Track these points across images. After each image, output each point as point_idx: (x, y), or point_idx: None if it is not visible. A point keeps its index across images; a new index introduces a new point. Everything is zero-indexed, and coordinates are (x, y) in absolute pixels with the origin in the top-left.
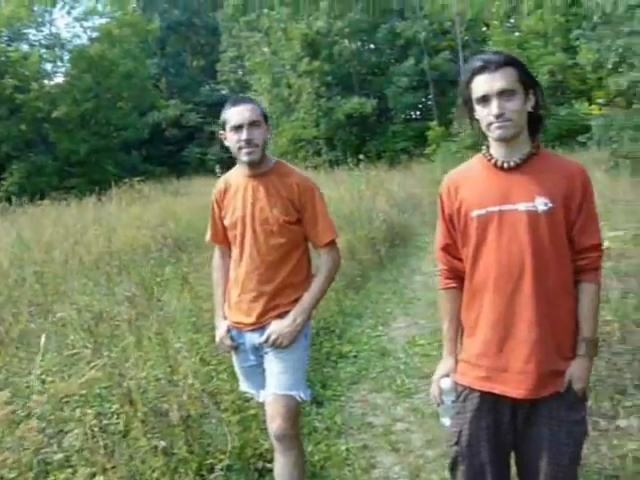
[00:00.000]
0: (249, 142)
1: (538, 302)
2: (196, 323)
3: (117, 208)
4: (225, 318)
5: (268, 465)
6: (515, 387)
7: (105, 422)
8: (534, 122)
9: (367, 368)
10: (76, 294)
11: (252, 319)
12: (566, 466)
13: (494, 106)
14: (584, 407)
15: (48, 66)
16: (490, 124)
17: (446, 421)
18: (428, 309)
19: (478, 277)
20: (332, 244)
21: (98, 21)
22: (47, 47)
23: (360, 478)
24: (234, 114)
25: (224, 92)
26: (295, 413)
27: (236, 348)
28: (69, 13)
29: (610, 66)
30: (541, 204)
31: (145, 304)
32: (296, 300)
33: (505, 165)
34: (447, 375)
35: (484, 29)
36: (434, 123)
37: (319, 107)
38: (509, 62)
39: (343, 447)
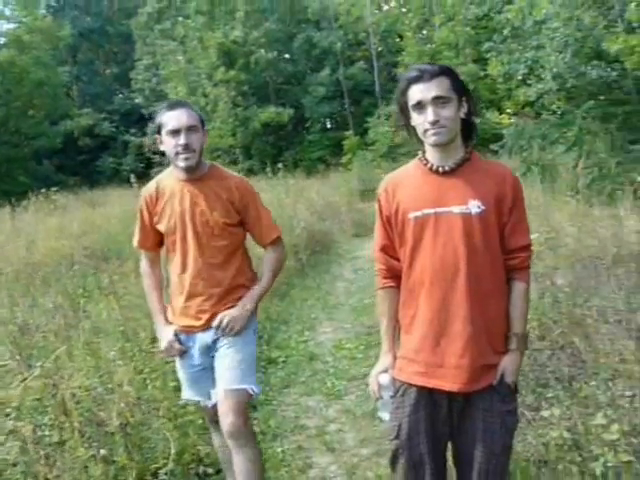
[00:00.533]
0: (186, 147)
1: (472, 300)
2: (125, 332)
3: (34, 219)
4: (168, 323)
5: (208, 470)
6: (451, 381)
7: (40, 434)
8: (467, 129)
9: (296, 372)
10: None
11: (202, 322)
12: (499, 454)
13: (429, 113)
14: (515, 398)
15: None
16: (426, 130)
17: (385, 415)
18: (352, 314)
19: (415, 276)
20: (277, 240)
21: (5, 26)
22: None
23: (297, 478)
24: (171, 118)
25: (138, 101)
26: (247, 408)
27: (184, 352)
28: None
29: (519, 77)
30: (474, 207)
31: (72, 315)
32: (240, 298)
33: (440, 169)
34: (385, 371)
35: (398, 40)
36: (350, 132)
37: (235, 116)
38: (443, 72)
39: (279, 449)
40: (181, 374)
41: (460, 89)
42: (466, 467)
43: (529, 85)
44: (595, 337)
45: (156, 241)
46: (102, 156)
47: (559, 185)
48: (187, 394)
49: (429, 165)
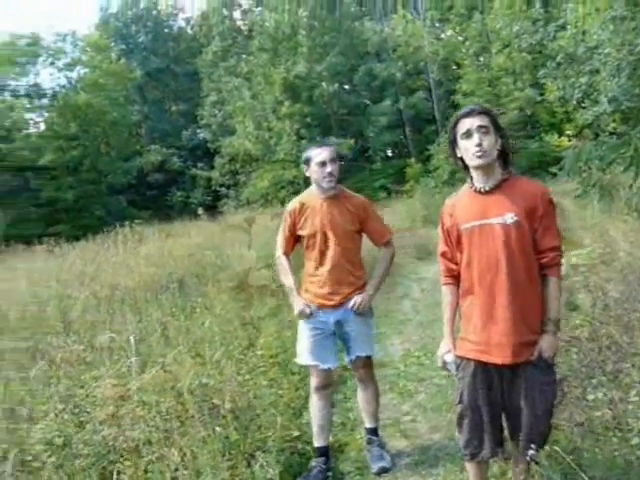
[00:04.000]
0: (331, 174)
1: (511, 291)
2: (223, 341)
3: (120, 249)
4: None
5: (306, 447)
6: (497, 355)
7: (159, 418)
8: (504, 158)
9: None
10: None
11: (334, 302)
12: (540, 416)
13: (475, 137)
14: (553, 372)
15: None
16: (472, 154)
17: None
18: (419, 328)
19: (468, 275)
20: (389, 242)
21: (82, 71)
22: (29, 96)
23: None
24: (319, 153)
25: (204, 136)
26: (372, 365)
27: (311, 314)
28: (52, 64)
29: (575, 102)
30: (509, 218)
31: (175, 327)
32: (363, 285)
33: (482, 190)
34: (448, 351)
35: (455, 68)
36: (411, 160)
37: (299, 148)
38: (485, 111)
39: (358, 436)
40: (307, 340)
41: (497, 126)
42: (515, 427)
43: (585, 108)
44: (637, 335)
45: (292, 246)
46: (171, 190)
47: (616, 204)
48: (307, 359)
49: (474, 187)
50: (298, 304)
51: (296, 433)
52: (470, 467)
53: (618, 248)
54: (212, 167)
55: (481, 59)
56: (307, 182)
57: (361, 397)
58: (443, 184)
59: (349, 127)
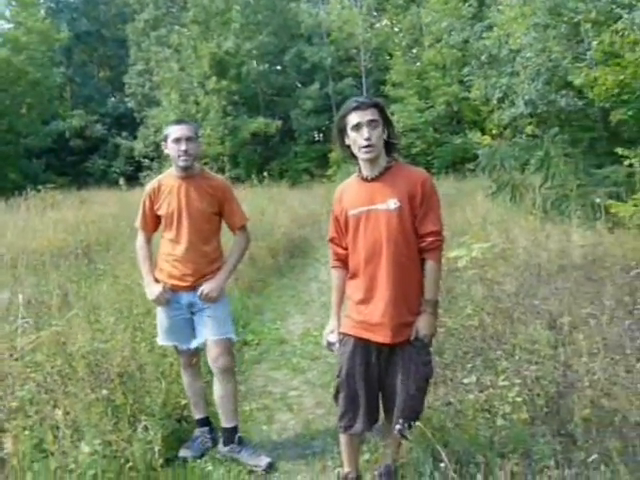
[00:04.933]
0: (186, 152)
1: (392, 273)
2: (120, 308)
3: (29, 214)
4: (157, 281)
5: (186, 414)
6: (377, 334)
7: (49, 380)
8: (389, 147)
9: (267, 352)
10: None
11: (187, 283)
12: (414, 394)
13: (364, 131)
14: (429, 352)
15: None
16: (361, 147)
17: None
18: (322, 309)
19: (354, 258)
20: (244, 227)
21: (5, 26)
22: None
23: (262, 430)
24: (176, 130)
25: (130, 105)
26: (232, 351)
27: (168, 301)
28: None
29: (495, 102)
30: (392, 204)
31: (73, 293)
32: (218, 268)
33: (368, 177)
34: (332, 331)
35: (387, 58)
36: (336, 145)
37: (225, 125)
38: (375, 104)
39: (247, 407)
40: (164, 322)
41: (385, 118)
42: (390, 404)
43: (503, 109)
44: (518, 326)
45: (153, 225)
46: (92, 158)
47: (525, 204)
48: (165, 340)
49: (361, 175)
50: (154, 291)
51: (184, 401)
52: (343, 439)
53: (518, 245)
54: (135, 137)
55: (413, 51)
56: (233, 159)
57: (217, 391)
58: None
59: (276, 108)
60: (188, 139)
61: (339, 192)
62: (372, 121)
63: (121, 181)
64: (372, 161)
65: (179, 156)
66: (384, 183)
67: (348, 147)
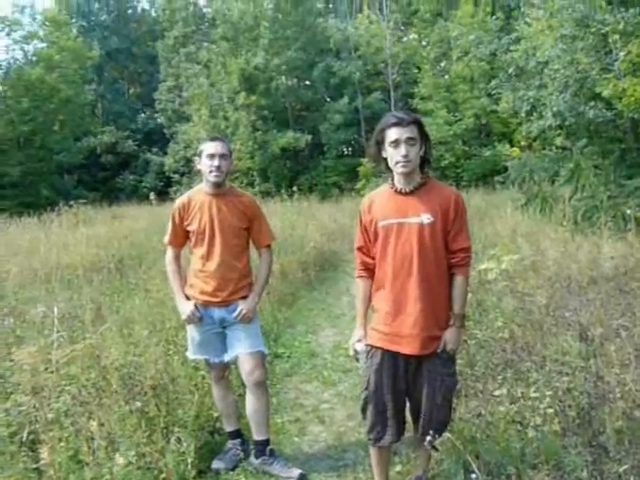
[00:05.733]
0: (218, 168)
1: (421, 287)
2: (153, 322)
3: (62, 229)
4: (188, 299)
5: (217, 426)
6: (405, 346)
7: (84, 392)
8: (424, 163)
9: (299, 365)
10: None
11: (219, 299)
12: (439, 405)
13: (402, 148)
14: (454, 363)
15: None
16: (397, 162)
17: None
18: (352, 323)
19: (383, 269)
20: (270, 246)
21: (39, 45)
22: None
23: (294, 442)
24: (210, 146)
25: (160, 121)
26: (265, 364)
27: (201, 319)
28: (8, 35)
29: (523, 114)
30: (425, 218)
31: (106, 307)
32: (249, 284)
33: (402, 191)
34: (359, 340)
35: (415, 71)
36: (365, 159)
37: (255, 140)
38: (414, 121)
39: (279, 420)
40: (196, 336)
41: (423, 135)
42: (417, 416)
43: (531, 121)
44: (549, 337)
45: (182, 240)
46: (123, 173)
47: (555, 215)
48: (197, 353)
49: (395, 188)
50: (185, 310)
51: (216, 414)
52: (373, 451)
53: (548, 257)
54: (166, 153)
55: (441, 64)
56: (262, 173)
57: (250, 404)
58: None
59: (305, 122)
60: (222, 156)
61: (368, 201)
62: (410, 139)
63: (152, 196)
64: (407, 176)
65: (211, 172)
66: (418, 198)
67: (384, 159)
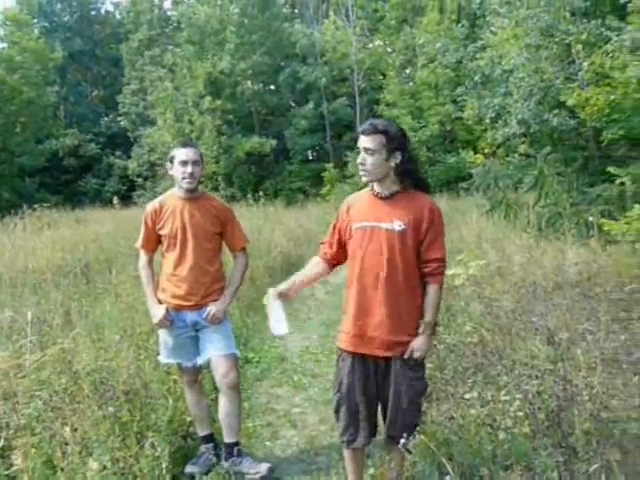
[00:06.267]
0: (191, 175)
1: (387, 291)
2: (123, 327)
3: (26, 233)
4: (160, 303)
5: (191, 431)
6: (369, 348)
7: (55, 398)
8: (403, 172)
9: (268, 369)
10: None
11: (192, 302)
12: (405, 409)
13: (360, 157)
14: (422, 368)
15: None
16: (359, 169)
17: (277, 329)
18: (319, 327)
19: (351, 272)
20: (244, 249)
21: None
22: None
23: (267, 446)
24: (182, 153)
25: (124, 124)
26: (238, 367)
27: (172, 323)
28: None
29: (488, 121)
30: (397, 225)
31: (74, 312)
32: (220, 288)
33: (379, 195)
34: (279, 293)
35: (380, 78)
36: (330, 165)
37: (220, 144)
38: (378, 131)
39: (250, 424)
40: (168, 340)
41: (392, 145)
42: (385, 418)
43: (497, 129)
44: (517, 342)
45: (154, 244)
46: (85, 177)
47: (519, 221)
48: (169, 357)
49: (373, 191)
50: (157, 314)
51: (189, 418)
52: (347, 453)
53: (514, 262)
54: (129, 156)
55: (406, 71)
56: (227, 178)
57: (222, 407)
58: (359, 190)
59: (271, 127)
60: (194, 162)
61: (347, 203)
62: (367, 149)
63: (115, 200)
64: (380, 183)
65: (183, 178)
66: (394, 204)
67: None
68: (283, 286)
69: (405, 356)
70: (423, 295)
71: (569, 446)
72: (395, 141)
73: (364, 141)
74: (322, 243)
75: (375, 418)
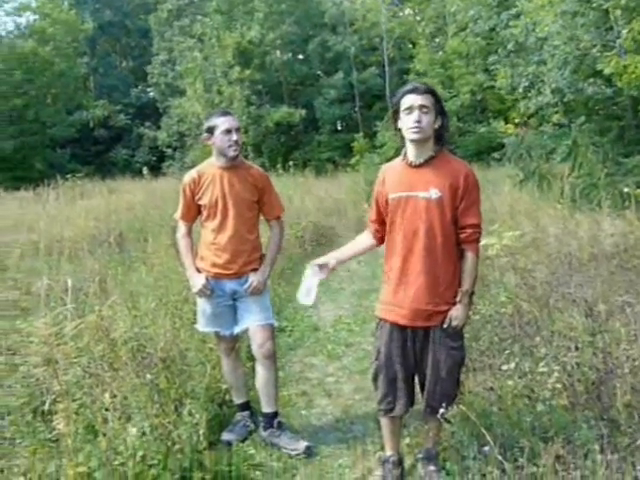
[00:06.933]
0: (237, 142)
1: (425, 261)
2: (158, 295)
3: (59, 202)
4: (199, 272)
5: (227, 399)
6: (407, 318)
7: (93, 364)
8: (439, 136)
9: (302, 339)
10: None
11: (231, 271)
12: (444, 378)
13: (415, 114)
14: (460, 338)
15: None
16: (409, 128)
17: (306, 300)
18: (352, 297)
19: (390, 241)
20: (280, 217)
21: (31, 18)
22: None
23: (302, 414)
24: (224, 121)
25: (153, 94)
26: (273, 338)
27: (212, 292)
28: (0, 7)
29: (521, 90)
30: (434, 193)
31: (109, 280)
32: (260, 257)
33: (413, 164)
34: (320, 265)
35: (410, 47)
36: (359, 135)
37: (249, 114)
38: (429, 91)
39: (285, 393)
40: (207, 308)
41: (439, 107)
42: (423, 388)
43: (529, 98)
44: (554, 313)
45: (193, 214)
46: (115, 147)
47: (553, 193)
48: (207, 326)
49: (406, 160)
50: (197, 283)
51: (225, 386)
52: (384, 422)
53: (548, 233)
54: (159, 127)
55: (436, 40)
56: (256, 148)
57: (259, 377)
58: (387, 161)
59: (299, 97)
60: (237, 130)
61: (382, 173)
62: (424, 106)
63: (145, 170)
64: (419, 146)
65: (230, 146)
66: (428, 171)
67: (399, 130)
68: (324, 258)
69: (444, 325)
70: (460, 263)
71: (610, 419)
72: (440, 103)
73: (419, 99)
74: (370, 221)
75: (413, 387)
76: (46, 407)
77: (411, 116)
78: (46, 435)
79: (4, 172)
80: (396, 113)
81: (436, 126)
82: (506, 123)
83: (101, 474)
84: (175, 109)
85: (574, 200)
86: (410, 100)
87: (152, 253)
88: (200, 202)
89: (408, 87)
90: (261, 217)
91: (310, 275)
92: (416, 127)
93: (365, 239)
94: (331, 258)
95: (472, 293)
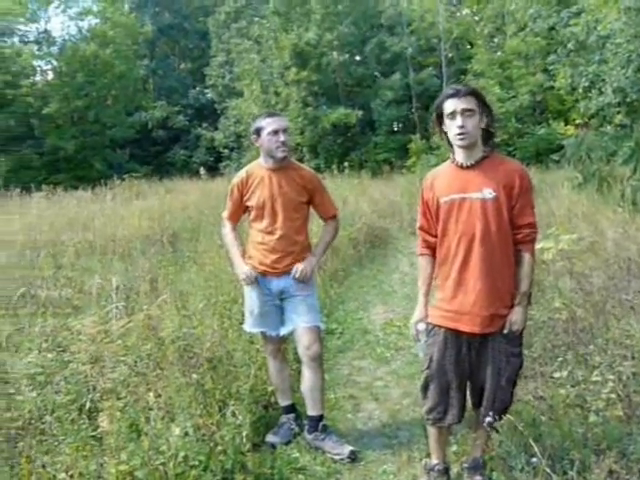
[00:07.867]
0: (284, 143)
1: (483, 264)
2: (207, 295)
3: (116, 202)
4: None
5: (272, 401)
6: (466, 325)
7: (140, 363)
8: (487, 136)
9: (351, 341)
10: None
11: (278, 270)
12: (503, 386)
13: (458, 119)
14: (520, 343)
15: (38, 63)
16: (455, 135)
17: (421, 354)
18: (403, 300)
19: (444, 246)
20: (335, 216)
21: (93, 21)
22: (38, 43)
23: (347, 417)
24: (271, 122)
25: (211, 96)
26: (320, 341)
27: (257, 280)
28: (64, 12)
29: (581, 90)
30: (488, 193)
31: (160, 279)
32: (307, 257)
33: (464, 165)
34: (421, 320)
35: (468, 47)
36: (416, 136)
37: (305, 115)
38: (471, 92)
39: (332, 396)
40: (254, 308)
41: (483, 106)
42: (478, 396)
43: (590, 98)
44: (610, 320)
45: (240, 215)
46: (174, 148)
47: (613, 196)
48: (254, 326)
49: (456, 162)
50: (243, 270)
51: (270, 388)
52: (432, 431)
53: (607, 237)
54: (216, 128)
55: (495, 40)
56: (312, 150)
57: (306, 379)
58: (444, 161)
59: (356, 98)
60: (284, 131)
61: (430, 178)
62: (467, 110)
63: (202, 171)
64: (467, 149)
65: (278, 147)
66: (480, 172)
67: (445, 133)
68: (422, 312)
69: (505, 331)
70: (516, 265)
71: None
72: (483, 102)
73: (460, 103)
74: (419, 228)
75: (465, 396)
76: (91, 404)
77: (455, 121)
78: (89, 433)
79: (65, 172)
80: (439, 117)
81: (482, 126)
82: (566, 124)
83: (142, 473)
84: (232, 110)
85: (635, 203)
86: (452, 105)
87: (203, 252)
88: (248, 203)
89: (449, 91)
90: (310, 218)
91: (418, 330)
92: (461, 133)
93: (426, 265)
94: (424, 309)
95: (530, 295)
